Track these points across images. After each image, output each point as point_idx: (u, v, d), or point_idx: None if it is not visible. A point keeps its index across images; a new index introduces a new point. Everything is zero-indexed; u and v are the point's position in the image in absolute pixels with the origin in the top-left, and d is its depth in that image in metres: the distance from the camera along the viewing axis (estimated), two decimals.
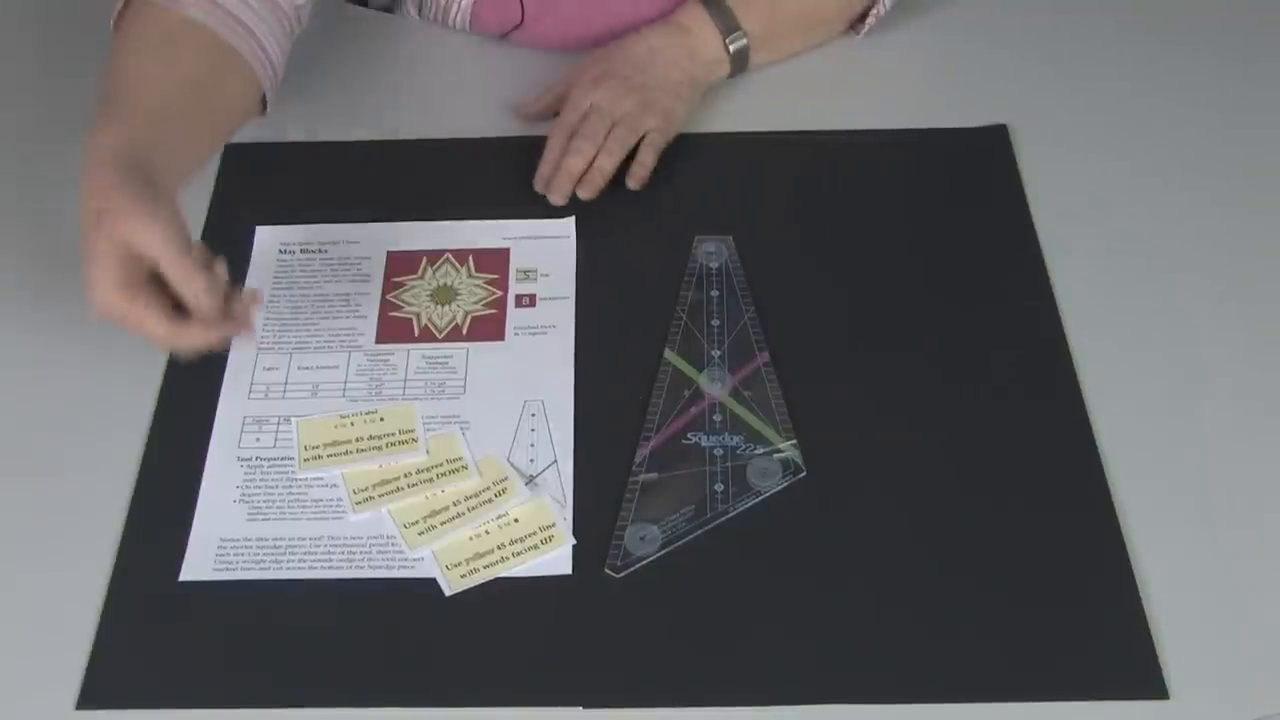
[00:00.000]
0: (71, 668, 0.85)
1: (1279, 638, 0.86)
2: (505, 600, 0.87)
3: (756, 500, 0.92)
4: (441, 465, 0.93)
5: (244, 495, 0.92)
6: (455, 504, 0.92)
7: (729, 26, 1.16)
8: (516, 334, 1.01)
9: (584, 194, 1.08)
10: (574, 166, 1.08)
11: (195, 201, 1.07)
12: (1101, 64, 1.22)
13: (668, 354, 1.00)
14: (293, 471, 0.93)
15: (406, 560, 0.89)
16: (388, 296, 1.04)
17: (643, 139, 1.10)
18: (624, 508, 0.91)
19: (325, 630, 0.87)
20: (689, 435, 0.95)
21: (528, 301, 1.03)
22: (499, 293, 1.04)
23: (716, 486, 0.92)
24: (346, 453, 0.94)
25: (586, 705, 0.83)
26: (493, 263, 1.06)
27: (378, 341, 1.01)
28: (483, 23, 1.22)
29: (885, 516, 0.91)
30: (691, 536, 0.90)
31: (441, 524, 0.91)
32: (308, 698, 0.84)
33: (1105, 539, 0.89)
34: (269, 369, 0.99)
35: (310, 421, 0.96)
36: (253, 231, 1.08)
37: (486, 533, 0.90)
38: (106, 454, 0.95)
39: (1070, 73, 1.21)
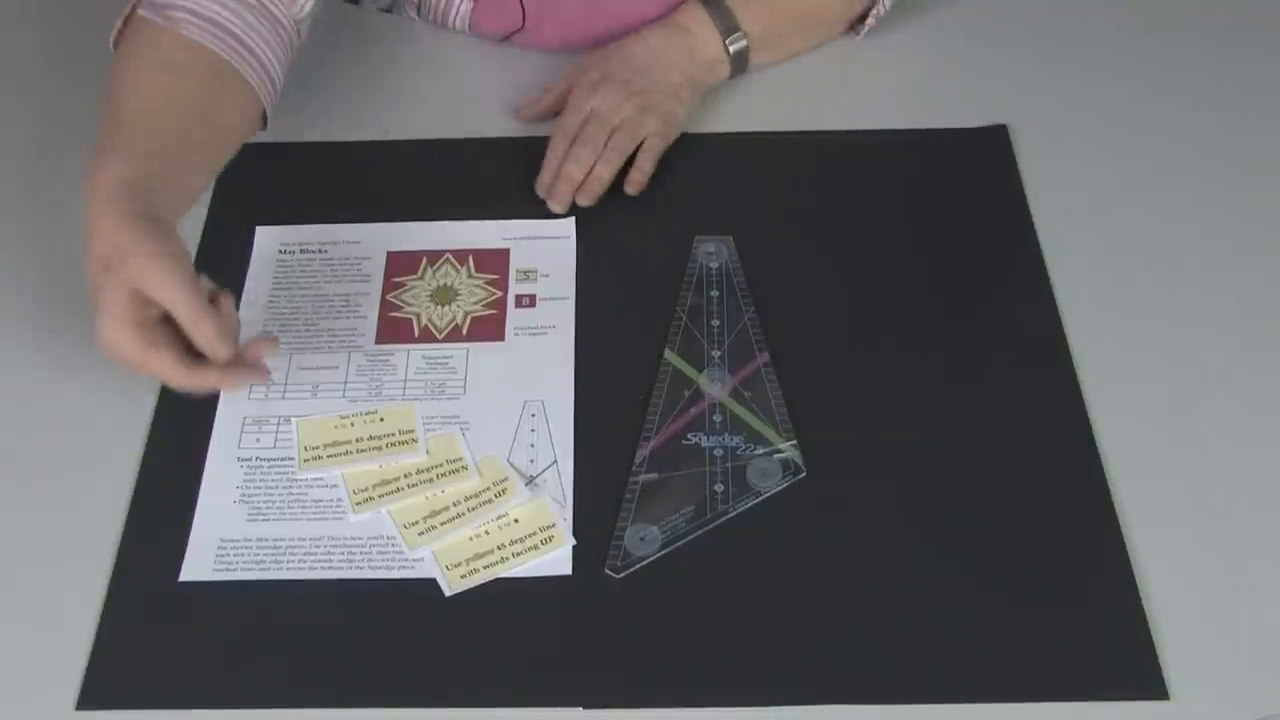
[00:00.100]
0: (71, 668, 0.85)
1: (1279, 638, 0.86)
2: (505, 600, 0.87)
3: (756, 500, 0.92)
4: (441, 466, 0.94)
5: (244, 496, 0.92)
6: (455, 504, 0.92)
7: (729, 27, 1.16)
8: (516, 334, 1.01)
9: (583, 201, 1.08)
10: (574, 174, 1.08)
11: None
12: (1101, 64, 1.22)
13: (668, 354, 1.00)
14: (293, 472, 0.93)
15: (406, 560, 0.89)
16: (388, 297, 1.04)
17: (642, 144, 1.10)
18: (624, 508, 0.91)
19: (325, 631, 0.87)
20: (689, 436, 0.95)
21: (528, 302, 1.03)
22: (499, 293, 1.04)
23: (716, 487, 0.92)
24: (346, 453, 0.94)
25: (586, 706, 0.83)
26: (493, 263, 1.06)
27: (378, 342, 1.01)
28: (482, 28, 1.22)
29: (885, 516, 0.91)
30: (691, 537, 0.90)
31: (441, 524, 0.91)
32: (308, 698, 0.84)
33: (1105, 539, 0.89)
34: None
35: (310, 422, 0.96)
36: (253, 231, 1.08)
37: (486, 533, 0.90)
38: (106, 454, 0.95)
39: (1070, 73, 1.21)
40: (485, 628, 0.86)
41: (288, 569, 0.89)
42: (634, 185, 1.09)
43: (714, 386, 0.98)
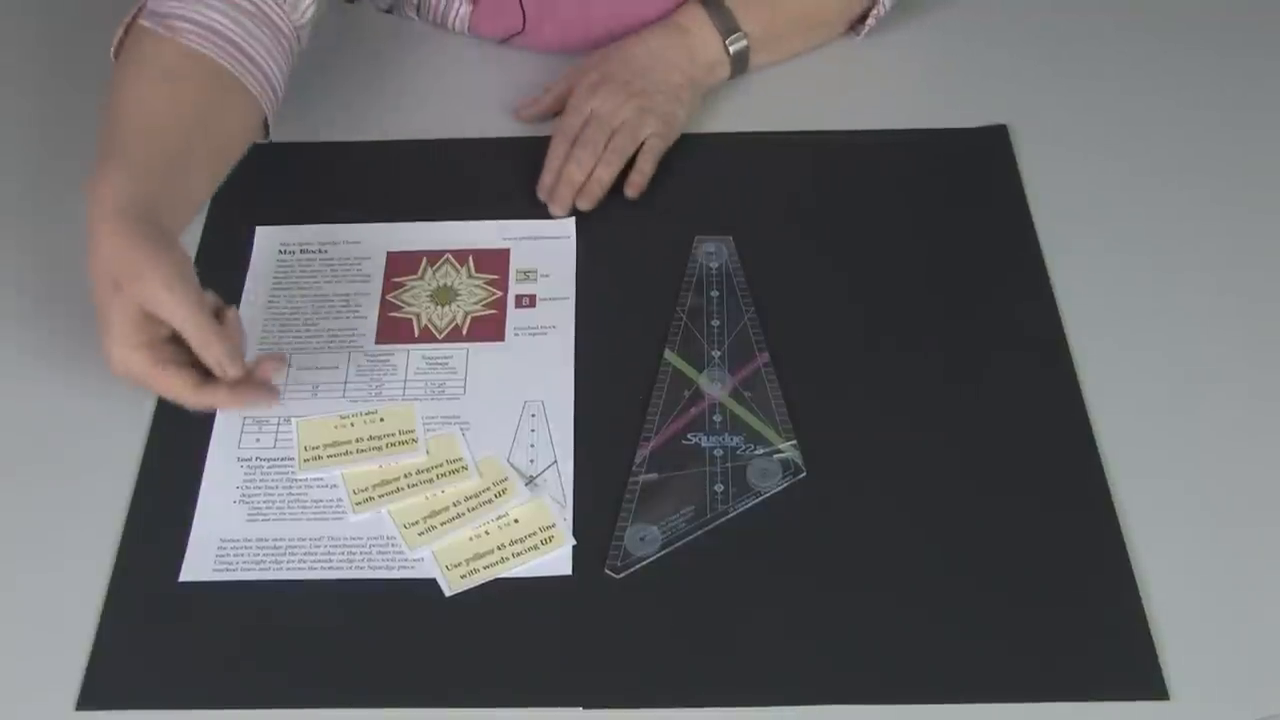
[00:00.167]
0: (71, 668, 0.85)
1: (1279, 638, 0.86)
2: (505, 600, 0.87)
3: (756, 501, 0.92)
4: (441, 466, 0.94)
5: (244, 496, 0.92)
6: (455, 504, 0.92)
7: (729, 28, 1.16)
8: (516, 334, 1.01)
9: (583, 205, 1.08)
10: (574, 177, 1.08)
11: None
12: (1101, 64, 1.22)
13: (668, 354, 1.00)
14: (293, 472, 0.93)
15: (406, 561, 0.89)
16: (388, 297, 1.04)
17: (642, 146, 1.10)
18: (624, 508, 0.91)
19: (325, 631, 0.87)
20: (689, 436, 0.95)
21: (528, 302, 1.03)
22: (499, 293, 1.04)
23: (716, 487, 0.92)
24: (346, 453, 0.94)
25: (587, 706, 0.83)
26: (493, 263, 1.06)
27: (378, 342, 1.01)
28: (481, 30, 1.22)
29: (885, 517, 0.91)
30: (691, 537, 0.90)
31: (441, 524, 0.91)
32: (308, 698, 0.84)
33: (1105, 539, 0.89)
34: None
35: (310, 422, 0.96)
36: (253, 231, 1.08)
37: (486, 533, 0.90)
38: (106, 454, 0.95)
39: (1070, 73, 1.21)
40: (485, 628, 0.86)
41: (288, 569, 0.89)
42: (634, 188, 1.09)
43: (714, 386, 0.98)
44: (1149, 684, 0.83)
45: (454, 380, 0.99)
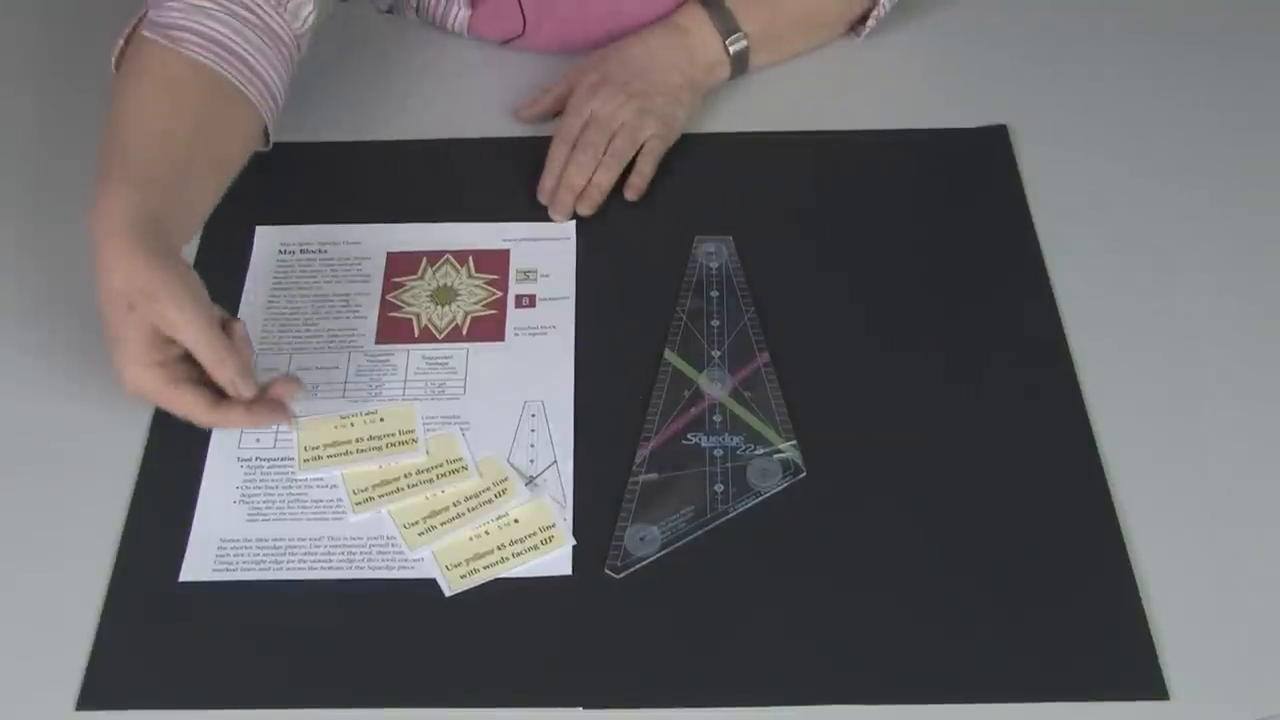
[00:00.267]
0: (71, 668, 0.85)
1: (1279, 638, 0.86)
2: (505, 600, 0.87)
3: (756, 501, 0.92)
4: (441, 466, 0.94)
5: (244, 496, 0.92)
6: (455, 504, 0.92)
7: (729, 28, 1.16)
8: (516, 334, 1.01)
9: (584, 210, 1.08)
10: (574, 181, 1.08)
11: None
12: (1101, 64, 1.22)
13: (668, 354, 1.00)
14: (293, 472, 0.93)
15: (406, 561, 0.89)
16: (388, 297, 1.04)
17: (641, 147, 1.10)
18: (624, 508, 0.91)
19: (325, 631, 0.87)
20: (689, 436, 0.95)
21: (528, 302, 1.03)
22: (499, 293, 1.04)
23: (716, 487, 0.92)
24: (346, 453, 0.94)
25: (587, 706, 0.83)
26: (493, 263, 1.06)
27: (378, 342, 1.01)
28: (480, 33, 1.22)
29: (885, 517, 0.91)
30: (691, 537, 0.90)
31: (441, 524, 0.91)
32: (308, 698, 0.84)
33: (1105, 539, 0.89)
34: (269, 369, 0.98)
35: (310, 422, 0.96)
36: (253, 231, 1.08)
37: (486, 533, 0.90)
38: (106, 454, 0.95)
39: (1070, 73, 1.21)
40: (485, 628, 0.86)
41: (288, 569, 0.89)
42: (634, 190, 1.09)
43: (714, 386, 0.98)
44: (1149, 684, 0.83)
45: (454, 380, 0.99)
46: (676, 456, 0.94)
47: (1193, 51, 1.22)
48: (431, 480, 0.93)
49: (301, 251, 1.07)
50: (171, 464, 0.94)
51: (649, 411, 0.96)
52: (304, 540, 0.90)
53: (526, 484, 0.92)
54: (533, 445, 0.95)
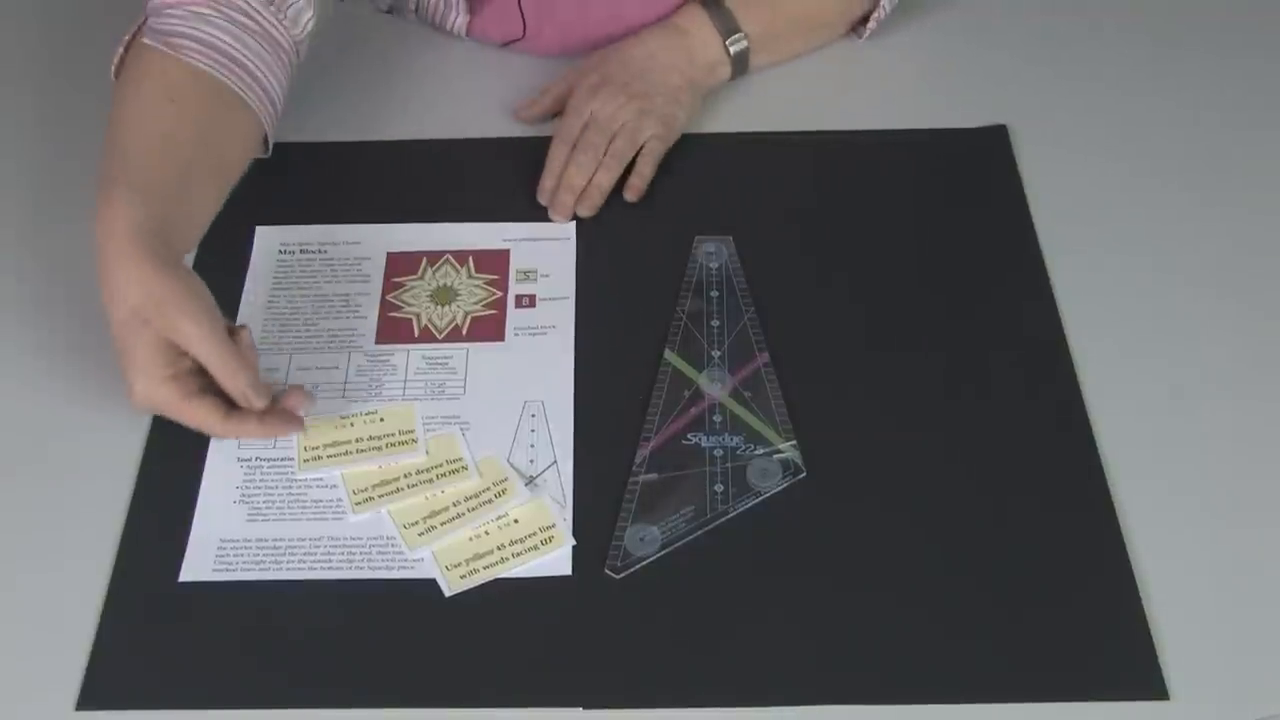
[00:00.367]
0: (71, 668, 0.85)
1: (1279, 638, 0.86)
2: (505, 601, 0.87)
3: (756, 501, 0.92)
4: (441, 466, 0.94)
5: (244, 496, 0.92)
6: (455, 505, 0.92)
7: (729, 28, 1.16)
8: (516, 334, 1.01)
9: (584, 212, 1.08)
10: (575, 182, 1.08)
11: None
12: (1101, 64, 1.22)
13: (668, 354, 1.00)
14: (292, 472, 0.93)
15: (406, 561, 0.89)
16: (388, 297, 1.04)
17: (641, 148, 1.10)
18: (624, 508, 0.91)
19: (325, 631, 0.87)
20: (689, 436, 0.95)
21: (528, 302, 1.03)
22: (499, 293, 1.04)
23: (716, 487, 0.92)
24: (346, 453, 0.94)
25: (586, 706, 0.83)
26: (493, 263, 1.06)
27: (378, 342, 1.01)
28: (479, 36, 1.21)
29: (885, 517, 0.91)
30: (691, 537, 0.90)
31: (441, 524, 0.91)
32: (308, 698, 0.84)
33: (1105, 539, 0.89)
34: (269, 369, 0.98)
35: (310, 422, 0.96)
36: (253, 231, 1.08)
37: (486, 533, 0.90)
38: (106, 454, 0.95)
39: (1070, 73, 1.21)
40: (485, 628, 0.86)
41: (288, 569, 0.89)
42: (634, 191, 1.09)
43: (714, 386, 0.98)
44: (1149, 684, 0.83)
45: (454, 380, 0.99)
46: (676, 456, 0.94)
47: (1193, 51, 1.22)
48: (431, 480, 0.93)
49: (301, 251, 1.07)
50: (171, 464, 0.94)
51: (649, 411, 0.96)
52: (304, 540, 0.90)
53: (526, 484, 0.92)
54: (533, 445, 0.95)
